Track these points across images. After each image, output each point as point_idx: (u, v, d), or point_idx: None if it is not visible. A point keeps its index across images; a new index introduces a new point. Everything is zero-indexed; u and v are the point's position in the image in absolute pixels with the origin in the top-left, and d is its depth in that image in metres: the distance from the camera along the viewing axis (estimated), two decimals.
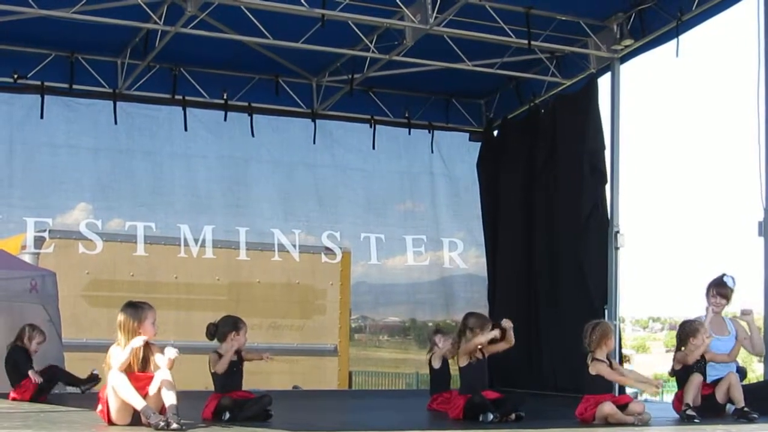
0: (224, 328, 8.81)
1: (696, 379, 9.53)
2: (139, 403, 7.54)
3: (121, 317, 7.87)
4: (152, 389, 7.67)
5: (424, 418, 9.95)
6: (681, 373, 9.68)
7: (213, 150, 15.57)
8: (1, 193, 14.33)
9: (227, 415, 8.35)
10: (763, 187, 10.59)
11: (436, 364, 10.65)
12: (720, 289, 10.56)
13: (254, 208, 15.81)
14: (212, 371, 8.75)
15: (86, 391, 10.78)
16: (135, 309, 7.92)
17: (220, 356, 8.73)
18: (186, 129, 14.96)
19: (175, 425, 7.28)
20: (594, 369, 8.91)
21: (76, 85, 14.22)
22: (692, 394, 9.43)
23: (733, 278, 10.65)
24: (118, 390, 7.61)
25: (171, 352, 7.63)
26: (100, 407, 7.82)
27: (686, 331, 9.80)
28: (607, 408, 8.72)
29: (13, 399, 10.46)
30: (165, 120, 15.12)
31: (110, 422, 7.71)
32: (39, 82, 14.02)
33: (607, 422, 8.66)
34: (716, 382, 9.66)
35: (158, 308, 15.11)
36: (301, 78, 15.32)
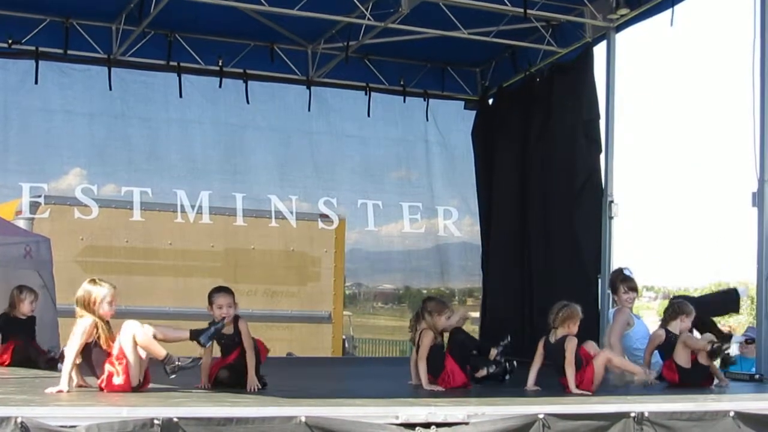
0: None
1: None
2: (162, 352, 7.81)
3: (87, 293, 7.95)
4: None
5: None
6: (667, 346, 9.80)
7: (208, 116, 15.59)
8: None
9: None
10: (758, 158, 10.59)
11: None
12: (631, 283, 10.80)
13: (251, 174, 15.84)
14: None
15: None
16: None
17: None
18: (181, 95, 14.92)
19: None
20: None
21: (71, 51, 14.16)
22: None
23: (630, 269, 10.98)
24: (142, 335, 7.76)
25: None
26: (109, 369, 7.78)
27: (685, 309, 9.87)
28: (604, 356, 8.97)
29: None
30: (160, 86, 15.09)
31: (111, 388, 7.74)
32: (33, 48, 13.96)
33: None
34: None
35: (154, 274, 15.30)
36: (296, 45, 15.27)
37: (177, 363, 7.86)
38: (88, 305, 7.86)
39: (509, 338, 9.73)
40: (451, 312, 9.53)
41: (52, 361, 10.26)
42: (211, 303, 8.59)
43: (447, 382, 9.16)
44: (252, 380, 8.32)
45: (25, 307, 10.82)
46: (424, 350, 9.11)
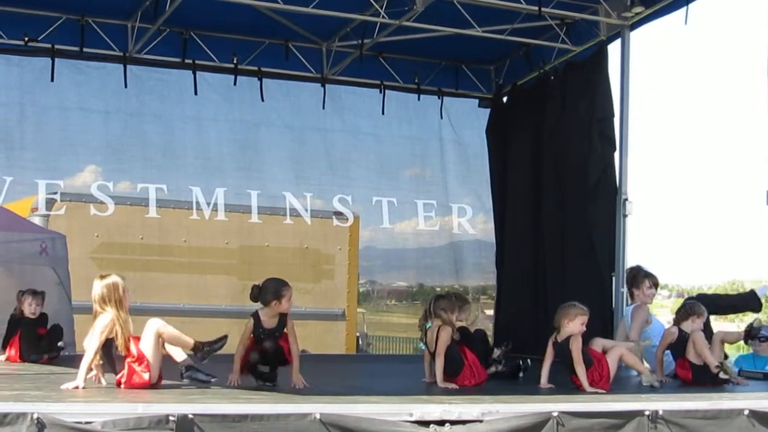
0: (266, 294, 8.46)
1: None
2: (189, 342, 7.98)
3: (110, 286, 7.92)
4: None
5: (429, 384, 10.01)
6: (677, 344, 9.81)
7: (223, 114, 15.63)
8: (13, 155, 14.39)
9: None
10: None
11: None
12: (654, 279, 10.84)
13: (266, 171, 15.86)
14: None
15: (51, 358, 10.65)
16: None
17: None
18: (196, 93, 14.97)
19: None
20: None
21: (87, 48, 14.21)
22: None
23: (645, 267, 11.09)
24: (169, 329, 7.87)
25: None
26: (130, 368, 7.80)
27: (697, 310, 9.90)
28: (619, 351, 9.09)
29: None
30: (175, 83, 15.14)
31: (131, 386, 7.77)
32: (49, 45, 14.04)
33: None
34: None
35: (169, 271, 15.30)
36: (311, 43, 15.30)
37: (189, 372, 7.98)
38: (113, 298, 7.84)
39: (510, 344, 9.84)
40: (468, 307, 9.57)
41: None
42: (280, 297, 8.43)
43: (471, 376, 9.13)
44: (297, 377, 8.31)
45: (26, 310, 10.93)
46: (442, 346, 9.04)
